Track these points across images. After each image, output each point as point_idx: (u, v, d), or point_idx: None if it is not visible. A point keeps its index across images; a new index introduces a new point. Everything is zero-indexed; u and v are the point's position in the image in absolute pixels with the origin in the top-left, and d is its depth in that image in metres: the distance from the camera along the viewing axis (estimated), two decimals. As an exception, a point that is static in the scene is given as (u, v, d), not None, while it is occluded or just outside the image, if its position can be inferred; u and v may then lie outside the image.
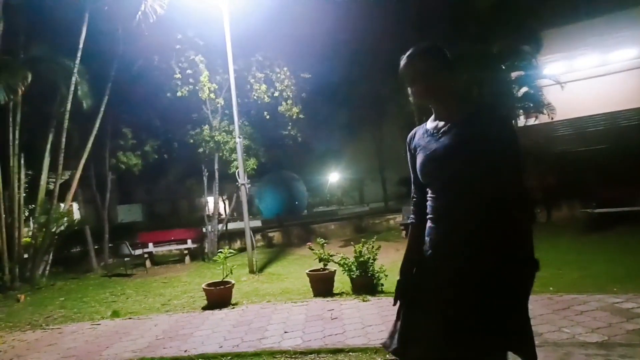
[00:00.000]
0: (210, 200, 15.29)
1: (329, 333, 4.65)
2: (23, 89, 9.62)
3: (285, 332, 4.84)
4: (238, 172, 10.49)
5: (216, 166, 13.12)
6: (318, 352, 4.12)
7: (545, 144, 13.16)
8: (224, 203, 23.46)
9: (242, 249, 11.51)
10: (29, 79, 9.63)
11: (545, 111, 12.71)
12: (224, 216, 16.02)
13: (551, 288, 5.61)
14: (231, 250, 7.32)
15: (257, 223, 19.33)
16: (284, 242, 15.35)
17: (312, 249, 6.95)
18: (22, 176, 10.85)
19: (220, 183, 13.92)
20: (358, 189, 29.45)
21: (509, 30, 12.31)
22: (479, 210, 1.73)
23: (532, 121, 13.31)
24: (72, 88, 10.66)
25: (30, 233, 11.34)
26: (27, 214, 11.15)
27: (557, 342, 3.82)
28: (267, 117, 12.51)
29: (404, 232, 13.78)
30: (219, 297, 6.57)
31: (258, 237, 15.06)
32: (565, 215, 12.63)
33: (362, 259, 6.46)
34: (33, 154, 11.02)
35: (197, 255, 13.63)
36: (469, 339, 1.69)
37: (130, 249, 12.49)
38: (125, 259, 12.44)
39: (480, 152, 1.71)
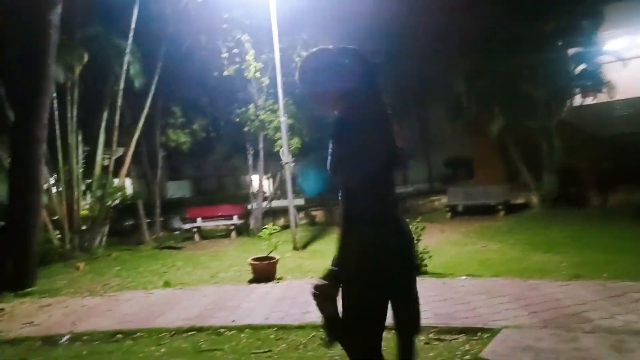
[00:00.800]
0: (255, 178, 15.59)
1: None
2: (80, 68, 10.07)
3: (328, 308, 4.92)
4: (282, 150, 10.62)
5: (261, 145, 13.32)
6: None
7: (602, 125, 12.47)
8: (268, 181, 23.83)
9: (286, 226, 11.71)
10: (85, 59, 10.07)
11: (604, 90, 11.99)
12: (268, 194, 16.30)
13: (605, 275, 5.40)
14: (276, 227, 7.48)
15: (301, 202, 19.53)
16: (326, 221, 15.49)
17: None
18: (80, 152, 11.45)
19: (264, 161, 14.15)
20: (402, 170, 29.09)
21: (568, 6, 11.60)
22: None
23: (589, 100, 12.61)
24: (125, 67, 11.06)
25: (87, 206, 12.00)
26: (84, 188, 11.80)
27: (609, 328, 3.69)
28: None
29: (449, 214, 13.56)
30: (264, 271, 6.76)
31: (301, 215, 15.27)
32: (622, 200, 12.00)
33: (405, 238, 6.42)
34: (89, 131, 11.58)
35: (243, 231, 14.00)
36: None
37: (180, 223, 13.00)
38: (175, 233, 12.99)
39: None
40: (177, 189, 37.19)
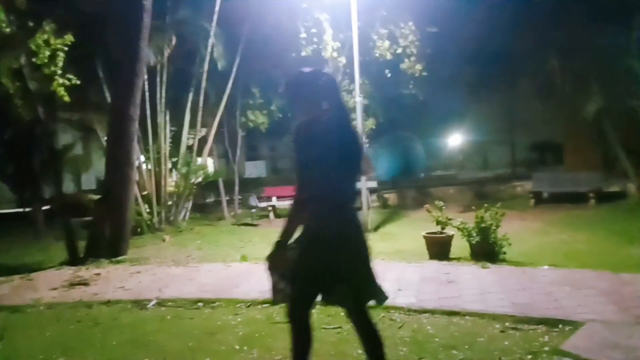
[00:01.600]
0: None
1: (444, 295, 4.60)
2: (169, 50, 10.66)
3: (399, 290, 4.88)
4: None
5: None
6: (432, 312, 4.11)
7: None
8: (342, 162, 23.90)
9: (357, 208, 11.72)
10: (174, 41, 10.62)
11: None
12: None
13: None
14: (349, 207, 7.49)
15: (373, 184, 19.43)
16: (398, 204, 15.31)
17: (430, 211, 6.81)
18: (167, 131, 12.21)
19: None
20: (481, 153, 27.79)
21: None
22: None
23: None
24: (209, 49, 11.52)
25: (173, 183, 12.83)
26: (171, 166, 12.60)
27: None
28: (388, 75, 12.26)
29: (532, 201, 12.81)
30: (335, 250, 6.82)
31: (373, 197, 15.18)
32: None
33: (483, 224, 6.17)
34: (176, 112, 12.29)
35: (316, 211, 14.23)
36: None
37: (256, 201, 13.49)
38: (252, 210, 13.50)
39: None
40: (253, 169, 38.58)
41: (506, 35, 13.57)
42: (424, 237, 6.84)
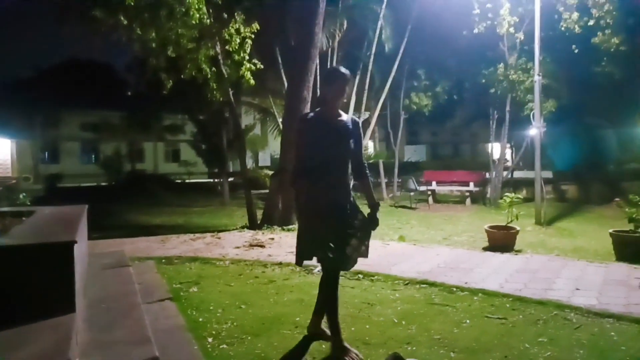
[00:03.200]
0: (496, 146, 14.68)
1: (634, 301, 3.97)
2: (340, 35, 11.11)
3: (577, 290, 4.38)
4: (533, 114, 9.63)
5: (507, 108, 12.37)
6: (618, 317, 3.59)
7: None
8: (511, 150, 22.13)
9: (528, 199, 10.74)
10: (345, 26, 11.02)
11: None
12: (509, 163, 15.17)
13: None
14: (518, 196, 6.95)
15: (548, 174, 17.56)
16: (579, 198, 13.58)
17: (622, 207, 5.91)
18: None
19: (508, 128, 13.14)
20: (694, 145, 22.82)
21: None
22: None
23: None
24: (378, 32, 11.67)
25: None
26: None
27: None
28: (576, 51, 10.81)
29: None
30: (501, 240, 6.42)
31: (548, 188, 13.72)
32: None
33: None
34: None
35: (478, 199, 13.52)
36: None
37: (416, 184, 13.38)
38: (411, 193, 13.42)
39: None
40: (413, 153, 38.24)
41: None
42: (611, 235, 5.98)
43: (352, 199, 3.00)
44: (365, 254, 3.02)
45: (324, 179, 2.88)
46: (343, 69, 3.02)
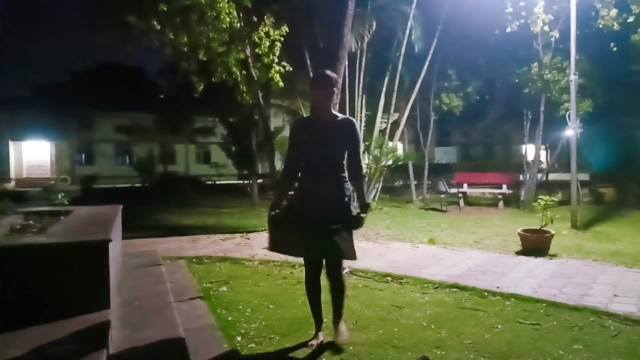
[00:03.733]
0: (530, 147, 14.31)
1: (678, 310, 3.79)
2: (369, 36, 11.06)
3: (615, 296, 4.22)
4: (569, 114, 9.34)
5: (542, 108, 12.04)
6: (660, 326, 3.44)
7: None
8: (546, 151, 21.53)
9: (563, 202, 10.43)
10: (374, 27, 10.97)
11: None
12: (544, 165, 14.77)
13: None
14: (553, 199, 6.75)
15: (584, 176, 17.01)
16: (618, 201, 13.08)
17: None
18: (363, 116, 12.75)
19: (542, 129, 12.80)
20: None
21: None
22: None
23: None
24: (407, 33, 11.56)
25: (365, 164, 13.38)
26: (364, 148, 13.15)
27: None
28: (614, 49, 10.43)
29: None
30: (535, 244, 6.26)
31: (584, 191, 13.29)
32: None
33: None
34: (371, 96, 12.72)
35: (511, 201, 13.20)
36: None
37: (446, 186, 13.19)
38: (441, 196, 13.25)
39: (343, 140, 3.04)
40: (443, 154, 37.70)
41: None
42: (652, 239, 5.74)
43: (346, 199, 3.00)
44: (350, 255, 2.98)
45: (309, 178, 3.03)
46: (327, 72, 3.10)
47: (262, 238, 7.57)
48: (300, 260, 3.34)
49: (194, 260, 5.87)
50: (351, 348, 3.05)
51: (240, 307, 3.98)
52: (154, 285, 3.99)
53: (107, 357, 2.21)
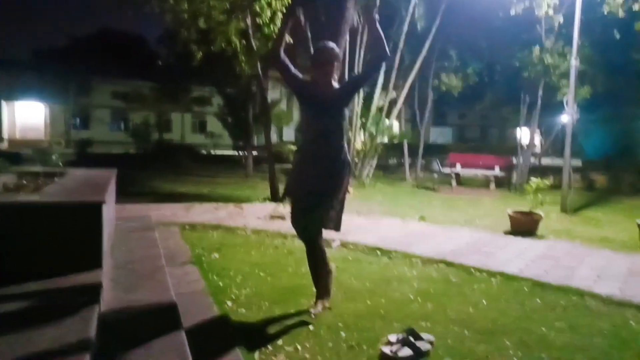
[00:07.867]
0: (525, 131, 14.34)
1: (659, 294, 3.90)
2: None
3: (598, 277, 4.33)
4: (566, 100, 9.34)
5: (540, 92, 12.02)
6: (640, 309, 3.54)
7: None
8: (541, 136, 21.59)
9: (554, 187, 10.50)
10: (377, 2, 10.77)
11: None
12: (537, 149, 14.83)
13: None
14: (545, 182, 6.81)
15: (577, 162, 17.15)
16: (609, 188, 13.21)
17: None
18: (361, 92, 12.66)
19: (539, 114, 12.80)
20: None
21: None
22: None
23: None
24: (410, 11, 11.39)
25: (361, 141, 13.37)
26: (360, 125, 13.12)
27: None
28: (618, 36, 10.38)
29: None
30: (524, 225, 6.35)
31: (576, 177, 13.41)
32: None
33: None
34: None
35: (503, 184, 13.30)
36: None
37: (440, 166, 13.24)
38: (434, 175, 13.31)
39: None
40: (439, 135, 37.69)
41: None
42: (639, 225, 5.84)
43: (341, 169, 3.08)
44: (334, 225, 3.14)
45: (306, 154, 3.14)
46: (328, 47, 3.09)
47: (255, 209, 7.62)
48: (293, 231, 3.38)
49: (187, 227, 5.91)
50: (339, 318, 3.12)
51: (231, 273, 4.04)
52: (147, 249, 4.02)
53: (98, 314, 2.25)
